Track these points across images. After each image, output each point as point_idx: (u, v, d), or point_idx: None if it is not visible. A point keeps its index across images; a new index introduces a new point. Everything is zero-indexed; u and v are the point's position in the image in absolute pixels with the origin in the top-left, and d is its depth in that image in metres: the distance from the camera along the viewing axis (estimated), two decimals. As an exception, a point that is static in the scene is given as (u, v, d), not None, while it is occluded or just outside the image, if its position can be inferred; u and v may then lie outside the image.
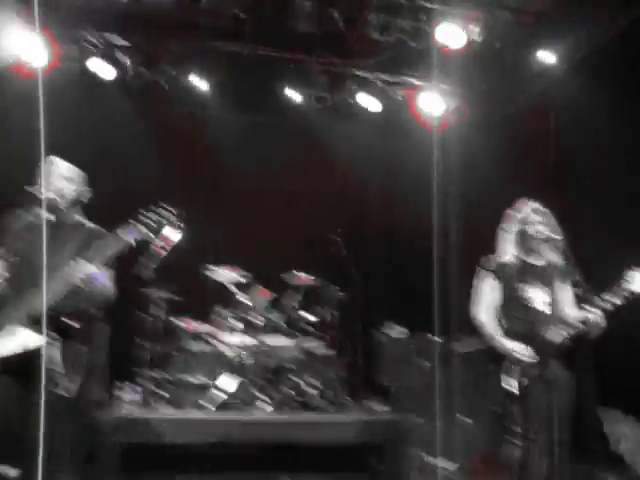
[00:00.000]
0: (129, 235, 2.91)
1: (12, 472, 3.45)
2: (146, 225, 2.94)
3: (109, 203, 5.75)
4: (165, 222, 2.96)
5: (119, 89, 6.47)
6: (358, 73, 6.88)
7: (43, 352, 2.76)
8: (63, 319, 2.91)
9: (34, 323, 2.79)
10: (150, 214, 2.95)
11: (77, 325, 2.97)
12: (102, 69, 6.19)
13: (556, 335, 3.29)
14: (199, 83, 6.69)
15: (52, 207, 3.06)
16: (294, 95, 6.85)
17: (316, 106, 6.94)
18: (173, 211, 2.99)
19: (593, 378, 2.93)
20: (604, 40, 5.69)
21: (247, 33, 6.23)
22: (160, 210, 2.98)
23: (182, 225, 3.09)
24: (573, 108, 5.90)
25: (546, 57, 6.38)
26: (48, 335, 2.79)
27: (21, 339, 2.77)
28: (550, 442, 3.28)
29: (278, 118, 7.07)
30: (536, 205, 3.54)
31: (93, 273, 2.84)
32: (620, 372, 5.10)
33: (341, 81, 6.91)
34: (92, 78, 6.25)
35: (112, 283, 3.08)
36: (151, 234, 2.96)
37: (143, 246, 3.10)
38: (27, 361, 2.70)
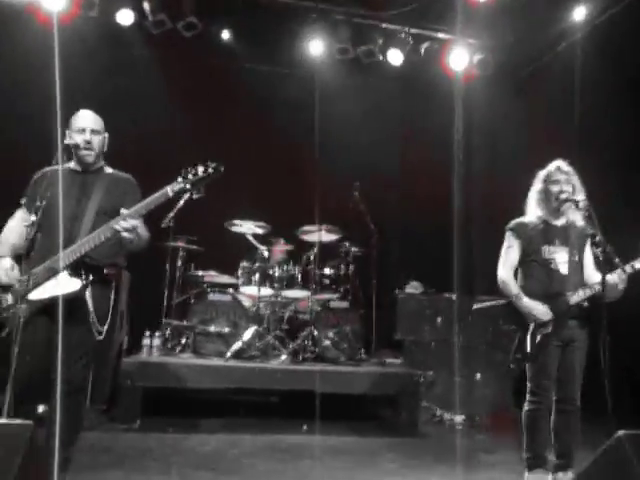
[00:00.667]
0: (174, 189, 2.94)
1: (41, 408, 3.64)
2: (190, 182, 2.96)
3: (129, 152, 5.84)
4: (208, 179, 2.98)
5: (138, 36, 6.36)
6: (382, 25, 6.74)
7: (78, 296, 2.89)
8: (96, 266, 2.99)
9: (70, 268, 2.89)
10: (194, 169, 2.97)
11: (109, 272, 3.06)
12: (122, 15, 6.12)
13: (576, 296, 3.32)
14: (220, 32, 6.60)
15: (81, 158, 3.13)
16: (316, 45, 6.71)
17: (338, 57, 6.81)
18: (215, 167, 3.00)
19: (608, 339, 2.94)
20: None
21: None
22: (203, 167, 2.99)
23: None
24: (600, 66, 5.76)
25: (575, 13, 6.20)
26: (82, 280, 2.91)
27: (57, 284, 2.86)
28: (561, 399, 3.36)
29: (300, 69, 6.95)
30: (559, 163, 3.51)
31: (135, 224, 2.89)
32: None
33: (364, 33, 6.78)
34: (112, 24, 6.18)
35: (147, 232, 3.14)
36: (194, 190, 3.00)
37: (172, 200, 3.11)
38: (62, 304, 2.80)
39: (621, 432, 2.33)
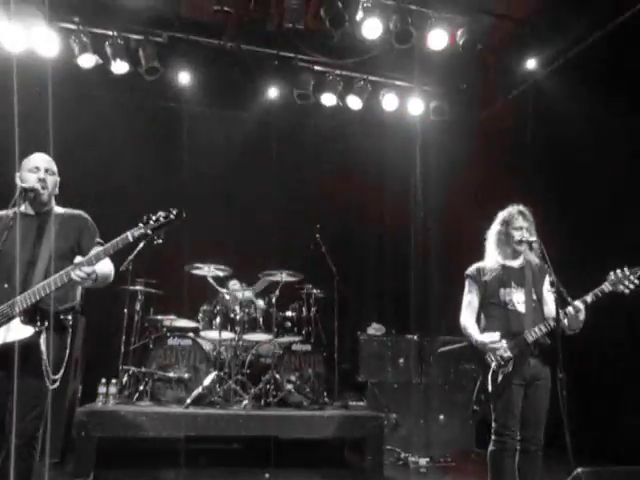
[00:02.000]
0: (131, 235, 2.91)
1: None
2: (151, 227, 2.93)
3: (90, 194, 5.77)
4: (169, 225, 2.97)
5: (102, 80, 6.37)
6: (342, 72, 6.94)
7: (31, 344, 2.78)
8: (50, 312, 2.90)
9: (24, 314, 2.80)
10: (155, 216, 2.96)
11: (64, 317, 2.98)
12: (84, 59, 6.13)
13: (533, 333, 3.40)
14: (181, 77, 6.67)
15: (33, 199, 3.07)
16: (277, 91, 6.85)
17: (298, 103, 6.95)
18: (176, 213, 2.99)
19: (564, 376, 3.00)
20: (584, 46, 5.86)
21: (231, 27, 6.27)
22: (165, 213, 2.98)
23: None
24: (552, 111, 6.06)
25: (527, 61, 6.56)
26: (36, 327, 2.81)
27: (9, 331, 2.76)
28: (525, 438, 3.38)
29: (260, 114, 7.06)
30: (521, 209, 3.64)
31: (90, 272, 2.84)
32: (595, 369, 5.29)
33: (324, 79, 6.96)
34: (73, 66, 6.18)
35: (110, 267, 3.10)
36: (155, 236, 2.97)
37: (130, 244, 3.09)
38: (14, 353, 2.70)
39: (579, 469, 2.36)
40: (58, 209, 3.19)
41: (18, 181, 3.07)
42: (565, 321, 3.30)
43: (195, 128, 6.91)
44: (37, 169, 3.07)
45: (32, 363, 2.80)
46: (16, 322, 2.79)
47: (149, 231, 2.92)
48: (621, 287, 3.28)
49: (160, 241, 3.01)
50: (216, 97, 6.97)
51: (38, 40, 5.87)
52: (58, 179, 3.19)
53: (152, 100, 6.76)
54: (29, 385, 2.79)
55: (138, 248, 5.17)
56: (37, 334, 2.82)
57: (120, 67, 6.20)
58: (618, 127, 5.30)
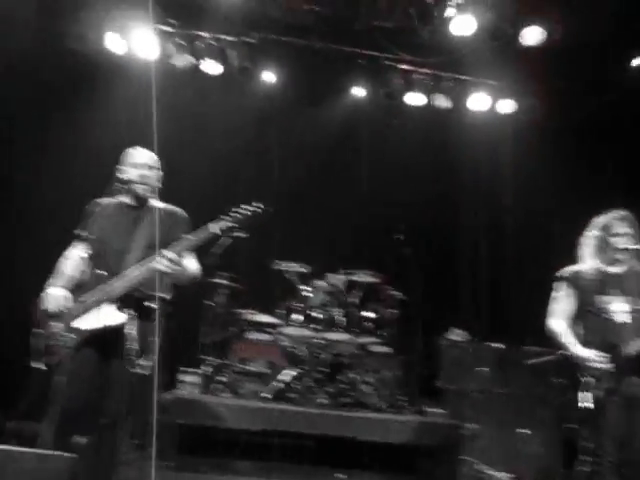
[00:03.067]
0: (216, 227, 2.99)
1: (82, 440, 3.63)
2: (235, 220, 3.01)
3: (184, 189, 5.98)
4: (253, 219, 3.03)
5: (196, 81, 6.59)
6: (430, 71, 6.81)
7: (124, 330, 2.91)
8: (142, 300, 3.03)
9: (118, 300, 2.92)
10: (240, 210, 3.03)
11: (154, 306, 3.06)
12: (180, 60, 6.36)
13: (635, 347, 3.15)
14: (270, 77, 6.78)
15: (136, 194, 3.21)
16: (364, 91, 6.83)
17: (385, 103, 6.89)
18: (261, 208, 3.04)
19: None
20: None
21: (320, 27, 6.31)
22: (249, 207, 3.04)
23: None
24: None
25: (628, 60, 6.15)
26: (128, 314, 2.93)
27: (104, 316, 2.90)
28: (623, 462, 3.14)
29: (347, 114, 7.05)
30: (624, 214, 3.40)
31: (178, 260, 2.94)
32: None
33: (412, 78, 6.85)
34: (172, 69, 6.42)
35: (197, 264, 3.20)
36: (238, 229, 3.04)
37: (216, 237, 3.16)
38: (108, 337, 2.82)
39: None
40: (158, 203, 3.28)
41: (119, 173, 3.21)
42: None
43: (284, 127, 7.01)
44: (140, 165, 3.19)
45: (123, 348, 2.92)
46: (109, 308, 2.92)
47: (234, 224, 2.99)
48: None
49: (243, 234, 3.07)
50: (305, 97, 7.04)
51: (140, 43, 6.14)
52: (161, 174, 3.29)
53: (243, 100, 6.90)
54: (119, 369, 2.91)
55: (223, 243, 5.32)
56: (129, 320, 2.94)
57: (214, 67, 6.39)
58: None
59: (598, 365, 3.15)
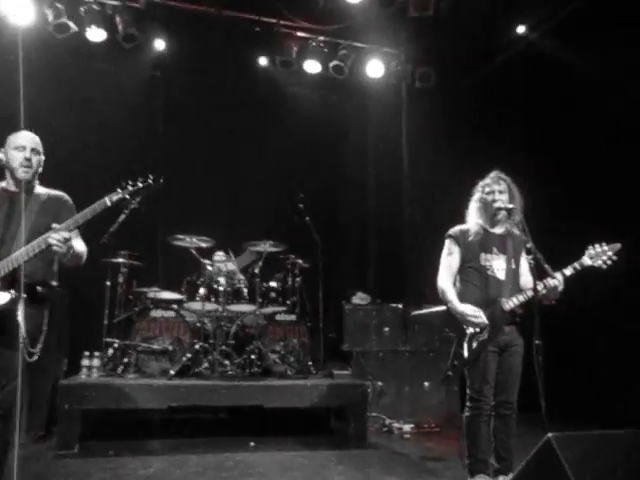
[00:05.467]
0: (108, 200, 2.97)
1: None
2: (127, 192, 3.02)
3: (68, 164, 5.69)
4: (147, 190, 3.04)
5: (77, 48, 6.21)
6: (325, 39, 6.80)
7: (13, 317, 2.79)
8: (32, 285, 2.93)
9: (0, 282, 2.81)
10: (133, 182, 3.02)
11: (42, 291, 2.98)
12: (59, 26, 5.95)
13: (511, 302, 3.40)
14: (160, 44, 6.50)
15: (17, 178, 3.08)
16: (259, 59, 6.73)
17: (281, 70, 6.83)
18: (154, 179, 3.05)
19: (540, 343, 3.01)
20: (573, 8, 5.74)
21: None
22: (142, 179, 3.07)
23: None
24: (539, 78, 5.97)
25: (514, 26, 6.45)
26: (12, 294, 2.81)
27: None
28: (500, 403, 3.42)
29: (241, 82, 6.93)
30: (496, 173, 3.61)
31: (67, 237, 2.86)
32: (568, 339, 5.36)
33: (307, 45, 6.82)
34: (51, 37, 6.00)
35: (84, 247, 3.14)
36: (131, 200, 3.03)
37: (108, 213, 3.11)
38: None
39: (550, 434, 2.38)
40: (40, 189, 3.19)
41: (2, 157, 3.07)
42: (544, 291, 3.30)
43: (176, 96, 6.79)
44: (23, 148, 3.07)
45: (9, 336, 2.81)
46: None
47: (127, 196, 3.00)
48: (599, 262, 3.30)
49: (136, 205, 3.06)
50: (197, 65, 6.83)
51: (11, 7, 5.68)
52: (43, 158, 3.19)
53: (131, 69, 6.60)
54: (6, 357, 2.80)
55: (119, 220, 5.14)
56: (13, 302, 2.83)
57: (96, 34, 6.04)
58: (606, 94, 5.22)
59: (476, 319, 3.37)
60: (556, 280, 3.30)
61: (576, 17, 5.71)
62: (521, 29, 6.47)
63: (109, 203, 2.95)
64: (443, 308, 3.59)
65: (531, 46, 6.37)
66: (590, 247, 3.33)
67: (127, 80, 6.60)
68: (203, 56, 6.69)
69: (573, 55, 5.63)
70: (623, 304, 5.07)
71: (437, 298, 5.61)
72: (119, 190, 2.99)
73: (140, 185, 3.03)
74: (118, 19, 6.02)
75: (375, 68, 7.00)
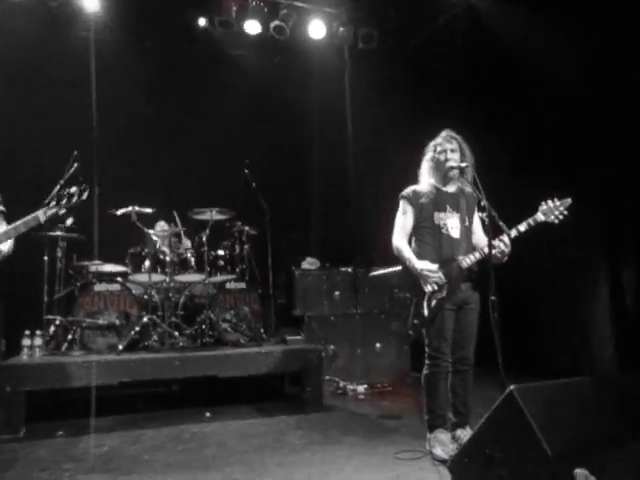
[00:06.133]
0: (43, 216, 3.00)
1: None
2: (64, 207, 3.09)
3: None
4: (76, 198, 2.96)
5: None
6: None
7: None
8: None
9: None
10: (69, 194, 3.05)
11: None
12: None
13: (468, 260, 3.44)
14: (90, 3, 6.08)
15: None
16: (197, 19, 6.42)
17: (220, 31, 6.56)
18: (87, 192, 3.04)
19: (495, 299, 3.07)
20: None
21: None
22: (78, 191, 3.07)
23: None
24: (484, 37, 5.99)
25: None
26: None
27: None
28: (457, 360, 3.50)
29: (179, 43, 6.61)
30: (447, 132, 3.60)
31: None
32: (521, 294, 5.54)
33: (247, 5, 6.57)
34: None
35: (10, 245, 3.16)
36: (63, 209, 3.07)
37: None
38: None
39: (512, 386, 2.44)
40: None
41: None
42: (494, 251, 3.34)
43: (109, 59, 6.39)
44: None
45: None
46: None
47: (62, 211, 3.06)
48: (552, 217, 3.35)
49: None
50: (131, 25, 6.45)
51: None
52: None
53: (60, 30, 6.15)
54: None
55: (52, 193, 4.85)
56: None
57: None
58: (552, 49, 5.28)
59: (433, 277, 3.39)
60: (504, 241, 3.33)
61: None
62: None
63: (42, 219, 2.97)
64: (400, 268, 3.59)
65: (472, 6, 6.37)
66: (543, 203, 3.38)
67: (54, 44, 6.14)
68: (136, 16, 6.33)
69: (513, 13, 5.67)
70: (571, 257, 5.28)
71: (385, 262, 5.69)
72: (53, 204, 3.01)
73: (74, 201, 3.04)
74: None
75: (317, 29, 6.85)
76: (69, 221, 3.24)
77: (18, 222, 2.91)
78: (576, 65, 5.06)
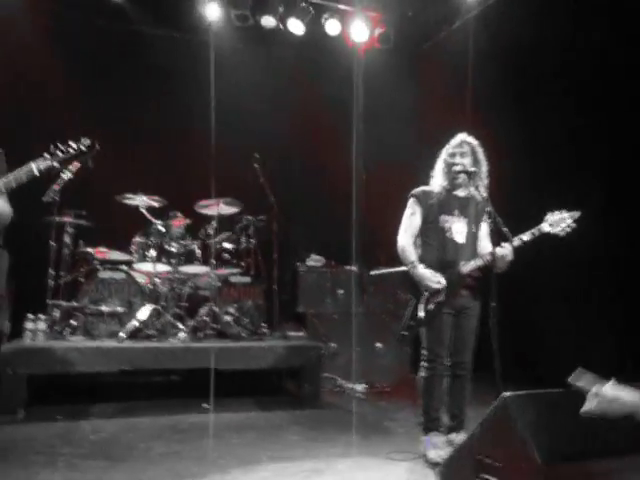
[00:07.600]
0: (37, 166, 2.71)
1: None
2: (58, 159, 2.78)
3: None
4: (80, 156, 2.78)
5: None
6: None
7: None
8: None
9: None
10: (63, 146, 2.74)
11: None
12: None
13: (469, 266, 3.42)
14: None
15: None
16: (213, 11, 6.42)
17: (236, 25, 6.56)
18: (88, 144, 2.78)
19: (495, 306, 3.06)
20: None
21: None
22: (74, 144, 2.77)
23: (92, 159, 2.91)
24: (499, 43, 5.95)
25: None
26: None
27: None
28: (454, 364, 3.49)
29: (195, 36, 6.62)
30: (461, 136, 3.58)
31: None
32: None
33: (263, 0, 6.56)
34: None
35: (9, 207, 2.91)
36: (60, 166, 2.77)
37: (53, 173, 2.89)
38: None
39: (505, 394, 2.44)
40: None
41: None
42: (500, 255, 3.31)
43: (125, 50, 6.41)
44: None
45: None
46: None
47: (55, 163, 2.72)
48: (558, 229, 3.26)
49: (69, 176, 2.83)
50: (149, 16, 6.46)
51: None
52: None
53: (80, 18, 6.16)
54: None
55: (65, 177, 4.86)
56: None
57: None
58: (562, 58, 5.23)
59: (432, 284, 3.38)
60: (506, 249, 3.29)
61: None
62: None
63: (36, 172, 2.68)
64: (401, 269, 3.59)
65: (489, 9, 6.31)
66: (549, 214, 3.32)
67: (75, 31, 6.15)
68: (154, 8, 6.36)
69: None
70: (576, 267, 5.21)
71: (391, 262, 5.67)
72: (47, 156, 2.72)
73: (71, 152, 2.77)
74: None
75: (333, 27, 6.83)
76: (66, 175, 2.94)
77: (9, 176, 2.67)
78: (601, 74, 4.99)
